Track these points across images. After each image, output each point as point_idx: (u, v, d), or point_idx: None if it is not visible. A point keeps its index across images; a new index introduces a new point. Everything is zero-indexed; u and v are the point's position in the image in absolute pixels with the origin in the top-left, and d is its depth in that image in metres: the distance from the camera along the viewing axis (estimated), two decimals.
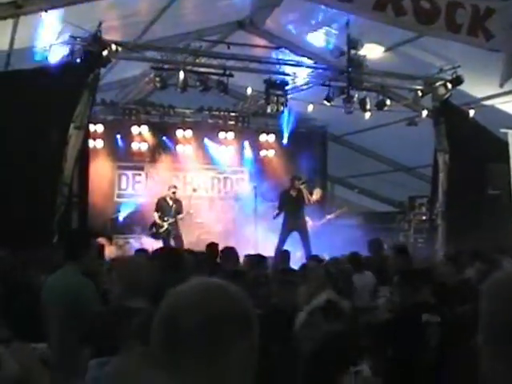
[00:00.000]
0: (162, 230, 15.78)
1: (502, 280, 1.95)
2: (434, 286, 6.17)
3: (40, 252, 7.35)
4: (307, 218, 15.22)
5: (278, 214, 15.07)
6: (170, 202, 15.99)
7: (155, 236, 15.78)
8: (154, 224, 15.96)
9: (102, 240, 12.50)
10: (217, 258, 9.69)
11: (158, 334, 1.79)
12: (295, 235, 14.64)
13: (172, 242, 15.39)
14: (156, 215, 15.97)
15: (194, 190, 17.83)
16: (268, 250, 13.01)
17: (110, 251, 12.57)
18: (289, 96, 15.28)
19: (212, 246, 10.26)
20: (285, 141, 19.70)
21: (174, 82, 14.25)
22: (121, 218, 18.01)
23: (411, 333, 5.47)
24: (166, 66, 13.96)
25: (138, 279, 4.49)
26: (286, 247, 13.66)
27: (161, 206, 16.01)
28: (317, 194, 15.92)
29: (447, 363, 5.24)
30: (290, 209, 14.82)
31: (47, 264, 6.80)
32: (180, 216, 15.98)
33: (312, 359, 4.53)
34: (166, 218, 15.78)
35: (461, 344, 4.57)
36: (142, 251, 9.23)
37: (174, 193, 16.08)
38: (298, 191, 14.88)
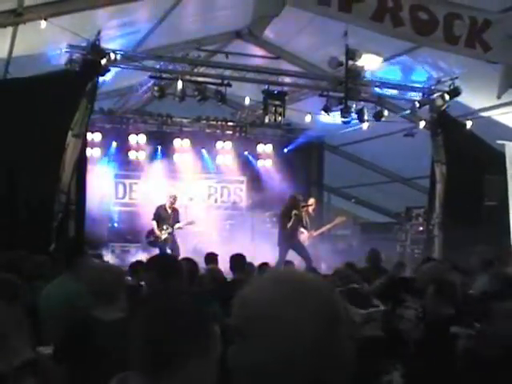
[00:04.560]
0: (159, 239, 15.69)
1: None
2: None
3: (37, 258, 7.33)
4: (302, 229, 15.17)
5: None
6: (169, 211, 15.89)
7: (152, 244, 15.73)
8: (152, 232, 15.89)
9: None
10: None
11: None
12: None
13: (168, 251, 15.34)
14: (154, 223, 15.89)
15: (191, 199, 17.82)
16: (265, 258, 12.97)
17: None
18: (286, 106, 15.31)
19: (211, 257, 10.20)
20: (282, 151, 19.77)
21: (172, 92, 14.29)
22: (117, 227, 18.02)
23: (440, 345, 5.39)
24: (164, 75, 13.96)
25: (107, 287, 4.38)
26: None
27: (159, 215, 15.89)
28: (311, 203, 15.93)
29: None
30: (289, 228, 14.74)
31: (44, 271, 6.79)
32: (179, 225, 15.86)
33: None
34: (165, 227, 15.68)
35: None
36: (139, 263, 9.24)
37: (172, 203, 15.99)
38: (299, 213, 14.82)
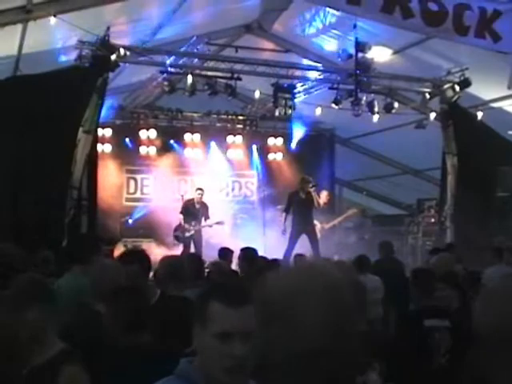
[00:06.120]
0: (187, 235, 15.49)
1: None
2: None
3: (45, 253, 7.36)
4: (315, 222, 15.15)
5: (285, 218, 14.84)
6: (197, 206, 15.72)
7: (178, 239, 15.64)
8: (180, 227, 15.70)
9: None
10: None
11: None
12: (304, 238, 14.55)
13: (192, 247, 15.26)
14: (182, 218, 15.73)
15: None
16: (277, 253, 12.99)
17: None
18: (297, 99, 15.28)
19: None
20: (293, 144, 19.73)
21: (182, 86, 14.29)
22: (130, 222, 18.05)
23: (412, 339, 5.28)
24: (174, 70, 13.98)
25: (108, 284, 4.42)
26: (294, 250, 13.59)
27: (187, 209, 15.75)
28: (324, 196, 15.89)
29: (458, 369, 5.01)
30: (299, 211, 14.63)
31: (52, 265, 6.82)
32: (208, 223, 15.65)
33: None
34: (193, 223, 15.50)
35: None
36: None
37: (200, 195, 15.79)
38: (308, 194, 14.70)
